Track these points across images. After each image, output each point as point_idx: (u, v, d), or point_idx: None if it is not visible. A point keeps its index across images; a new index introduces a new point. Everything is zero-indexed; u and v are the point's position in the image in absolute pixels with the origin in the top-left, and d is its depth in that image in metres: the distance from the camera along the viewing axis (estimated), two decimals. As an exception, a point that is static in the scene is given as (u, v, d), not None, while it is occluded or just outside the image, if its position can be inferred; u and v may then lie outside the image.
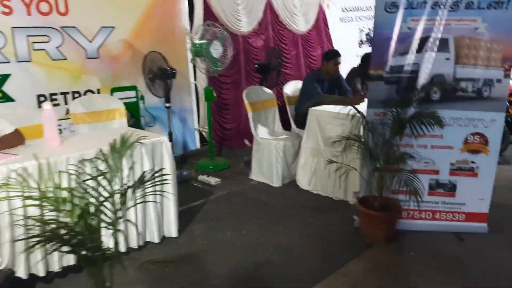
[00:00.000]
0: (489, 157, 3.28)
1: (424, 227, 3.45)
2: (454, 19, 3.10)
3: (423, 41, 3.16)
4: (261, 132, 4.75)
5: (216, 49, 4.71)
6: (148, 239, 3.27)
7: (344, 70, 6.58)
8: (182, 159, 5.33)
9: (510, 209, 3.86)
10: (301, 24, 6.48)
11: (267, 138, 4.65)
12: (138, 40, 4.83)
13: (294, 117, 4.95)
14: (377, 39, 3.18)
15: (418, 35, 3.15)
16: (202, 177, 4.68)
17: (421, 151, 3.34)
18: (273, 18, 6.16)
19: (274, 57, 5.13)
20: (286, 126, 5.08)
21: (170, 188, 3.22)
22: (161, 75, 4.47)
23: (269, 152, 4.48)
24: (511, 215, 3.74)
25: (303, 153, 4.35)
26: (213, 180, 4.59)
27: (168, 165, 3.21)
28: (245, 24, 5.81)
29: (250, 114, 4.58)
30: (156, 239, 3.25)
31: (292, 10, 6.33)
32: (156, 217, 3.22)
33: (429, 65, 3.19)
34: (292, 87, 5.13)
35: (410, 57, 3.19)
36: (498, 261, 3.06)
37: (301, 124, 4.47)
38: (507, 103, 6.22)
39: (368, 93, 3.29)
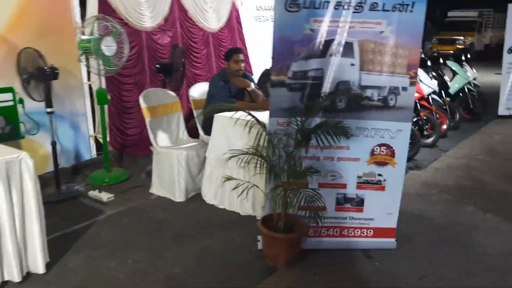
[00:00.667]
0: (396, 169, 3.10)
1: (332, 245, 3.20)
2: (358, 21, 2.86)
3: (327, 44, 2.89)
4: (162, 140, 4.26)
5: (108, 46, 4.13)
6: (6, 278, 2.66)
7: (258, 72, 6.31)
8: (74, 171, 4.67)
9: (418, 219, 3.76)
10: (213, 21, 6.06)
11: (168, 147, 4.18)
12: (15, 34, 4.10)
13: (201, 123, 4.52)
14: (278, 42, 2.84)
15: (321, 38, 2.87)
16: (93, 193, 4.08)
17: (328, 164, 3.08)
18: (181, 14, 5.67)
19: (177, 56, 4.66)
20: (195, 133, 4.64)
21: (33, 214, 2.65)
22: (38, 76, 3.80)
23: (170, 163, 4.01)
24: (419, 226, 3.63)
25: (208, 163, 3.94)
26: (105, 196, 4.01)
27: (30, 187, 2.63)
28: (148, 19, 5.26)
29: (147, 120, 4.07)
30: (16, 278, 2.66)
31: (202, 6, 5.88)
32: (15, 249, 2.62)
33: (334, 71, 2.92)
34: (199, 90, 4.69)
35: (314, 62, 2.90)
36: (405, 278, 2.89)
37: (209, 131, 4.06)
38: (419, 107, 6.39)
39: (270, 101, 2.96)
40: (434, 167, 5.17)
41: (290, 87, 2.92)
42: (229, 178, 3.12)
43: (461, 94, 7.54)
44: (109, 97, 4.41)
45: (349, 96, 2.94)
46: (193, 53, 5.80)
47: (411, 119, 3.02)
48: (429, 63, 6.96)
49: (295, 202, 2.83)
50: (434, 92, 6.46)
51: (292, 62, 2.88)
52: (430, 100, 6.40)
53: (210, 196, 3.95)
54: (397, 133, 3.02)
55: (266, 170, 2.89)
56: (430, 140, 5.90)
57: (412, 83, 2.93)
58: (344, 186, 3.13)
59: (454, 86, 7.52)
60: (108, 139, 5.12)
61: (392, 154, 3.07)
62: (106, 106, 4.52)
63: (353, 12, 2.83)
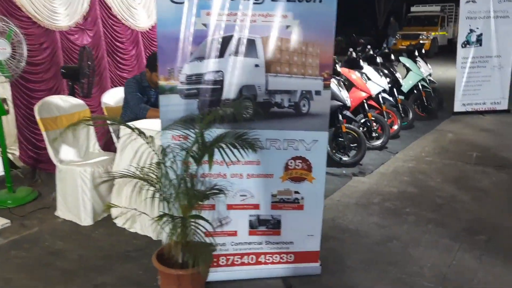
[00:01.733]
0: (315, 185, 2.68)
1: (247, 274, 2.76)
2: (260, 14, 2.42)
3: (225, 42, 2.44)
4: (67, 155, 3.73)
5: (0, 50, 3.58)
6: None
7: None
8: (-26, 192, 4.09)
9: (353, 235, 3.37)
10: (142, 19, 5.55)
11: (73, 163, 3.66)
12: None
13: (117, 133, 4.01)
14: (163, 39, 2.38)
15: (217, 34, 2.42)
16: (-16, 220, 3.53)
17: (236, 182, 2.64)
18: (103, 11, 5.13)
19: (85, 59, 4.14)
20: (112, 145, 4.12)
21: None
22: None
23: (73, 182, 3.49)
24: (352, 244, 3.24)
25: (116, 180, 3.44)
26: (-2, 223, 3.47)
27: None
28: (63, 17, 4.71)
29: (44, 134, 3.54)
30: None
31: (129, 3, 5.36)
32: None
33: (235, 74, 2.48)
34: (116, 96, 4.18)
35: (211, 63, 2.45)
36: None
37: (125, 142, 3.55)
38: (366, 107, 6.05)
39: (161, 111, 2.49)
40: (380, 172, 4.81)
41: (184, 94, 2.47)
42: (109, 206, 2.63)
43: (415, 92, 7.28)
44: (6, 107, 3.84)
45: (255, 101, 2.50)
46: (119, 54, 5.28)
47: (327, 127, 2.60)
48: (379, 60, 6.67)
49: (189, 231, 2.37)
50: (384, 91, 6.14)
51: (184, 63, 2.42)
52: (381, 99, 6.08)
53: (120, 218, 3.45)
54: (313, 144, 2.60)
55: (154, 195, 2.42)
56: (379, 142, 5.56)
57: (326, 86, 2.52)
58: (257, 206, 2.69)
59: (407, 83, 7.23)
60: (17, 153, 4.57)
61: (309, 168, 2.65)
62: (4, 117, 3.95)
63: (254, 3, 2.40)
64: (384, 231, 3.46)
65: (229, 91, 2.49)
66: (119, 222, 3.47)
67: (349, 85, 5.74)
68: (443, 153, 5.45)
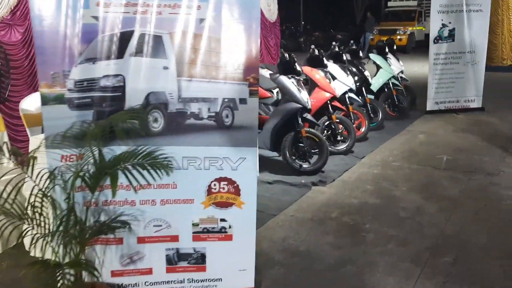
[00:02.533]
0: (245, 211, 2.24)
1: (169, 318, 2.32)
2: (167, 4, 1.96)
3: (125, 39, 1.97)
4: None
5: None
6: None
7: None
8: None
9: (303, 259, 2.95)
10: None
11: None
12: None
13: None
14: (42, 37, 1.89)
15: (113, 29, 1.95)
16: None
17: (148, 210, 2.18)
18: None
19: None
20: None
21: None
22: None
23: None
24: (300, 271, 2.82)
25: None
26: None
27: None
28: (-15, 11, 4.16)
29: None
30: None
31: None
32: None
33: (140, 78, 2.02)
34: (38, 101, 3.65)
35: (107, 66, 1.98)
36: None
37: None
38: (330, 109, 5.65)
39: (44, 125, 2.02)
40: (343, 180, 4.41)
41: (74, 104, 1.99)
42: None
43: (386, 90, 6.91)
44: None
45: (166, 113, 2.04)
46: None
47: (255, 142, 2.17)
48: (346, 57, 6.27)
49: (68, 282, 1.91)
50: (351, 90, 5.74)
51: (71, 66, 1.94)
52: (347, 99, 5.68)
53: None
54: (240, 162, 2.16)
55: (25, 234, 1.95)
56: (344, 146, 5.16)
57: (253, 93, 2.07)
58: (175, 238, 2.24)
59: (377, 81, 6.85)
60: None
61: (237, 191, 2.20)
62: None
63: (158, -9, 1.94)
64: (339, 253, 3.05)
65: (133, 99, 2.03)
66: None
67: (312, 85, 5.34)
68: (412, 157, 5.08)
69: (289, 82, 4.54)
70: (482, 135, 5.96)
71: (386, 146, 5.51)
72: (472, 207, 3.72)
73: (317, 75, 5.23)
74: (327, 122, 5.16)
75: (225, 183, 2.18)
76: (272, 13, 9.00)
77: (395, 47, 7.57)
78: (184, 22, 1.97)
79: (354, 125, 5.64)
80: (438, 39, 7.12)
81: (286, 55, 4.56)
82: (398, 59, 7.51)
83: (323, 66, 5.36)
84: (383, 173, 4.57)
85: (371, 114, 6.25)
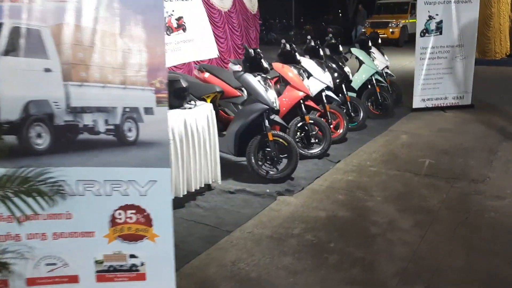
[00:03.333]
0: (159, 245, 1.83)
1: None
2: (44, -10, 1.54)
3: (-9, 34, 1.55)
4: None
5: None
6: None
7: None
8: None
9: (253, 286, 2.56)
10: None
11: None
12: None
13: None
14: None
15: (-27, 21, 1.53)
16: None
17: (38, 245, 1.77)
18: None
19: None
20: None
21: None
22: None
23: None
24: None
25: None
26: None
27: None
28: None
29: None
30: None
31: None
32: None
33: (13, 83, 1.60)
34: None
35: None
36: None
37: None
38: (303, 109, 5.23)
39: None
40: (313, 188, 4.00)
41: None
42: None
43: (369, 87, 6.50)
44: None
45: (52, 126, 1.63)
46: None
47: (168, 161, 1.76)
48: (324, 52, 5.84)
49: None
50: (328, 88, 5.33)
51: None
52: (324, 98, 5.27)
53: None
54: (150, 186, 1.75)
55: None
56: (318, 149, 4.75)
57: (162, 101, 1.66)
58: (74, 279, 1.84)
59: (360, 77, 6.44)
60: None
61: (148, 221, 1.80)
62: None
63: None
64: (294, 280, 2.65)
65: (8, 110, 1.61)
66: None
67: (284, 84, 4.92)
68: (391, 161, 4.68)
69: (254, 81, 4.12)
70: (470, 135, 5.57)
71: (365, 149, 5.11)
72: (451, 222, 3.32)
73: (289, 72, 4.81)
74: (300, 124, 4.75)
75: (133, 211, 1.77)
76: (253, 4, 8.56)
77: (379, 41, 7.16)
78: (70, 12, 1.56)
79: (331, 126, 5.25)
80: (425, 32, 6.70)
81: (251, 50, 4.13)
82: (383, 54, 7.10)
83: (296, 62, 4.94)
84: (358, 180, 4.17)
85: (352, 113, 5.85)
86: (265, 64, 4.31)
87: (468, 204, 3.62)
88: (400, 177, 4.22)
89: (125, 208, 1.77)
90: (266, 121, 4.10)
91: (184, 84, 3.50)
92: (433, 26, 6.68)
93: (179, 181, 3.39)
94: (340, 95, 5.81)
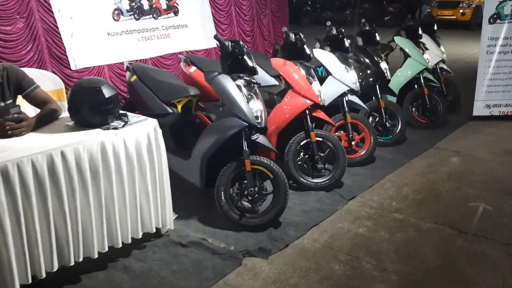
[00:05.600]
0: None
1: None
2: None
3: None
4: None
5: None
6: None
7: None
8: None
9: None
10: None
11: None
12: None
13: None
14: None
15: None
16: None
17: None
18: None
19: None
20: None
21: None
22: None
23: None
24: None
25: None
26: None
27: None
28: None
29: None
30: None
31: None
32: None
33: None
34: None
35: None
36: None
37: None
38: (310, 123, 3.62)
39: None
40: (301, 247, 2.78)
41: None
42: None
43: (416, 87, 5.05)
44: None
45: None
46: None
47: None
48: (354, 43, 4.49)
49: None
50: (353, 91, 4.01)
51: None
52: (345, 104, 3.97)
53: None
54: None
55: None
56: (325, 179, 3.50)
57: None
58: None
59: (404, 75, 4.99)
60: None
61: None
62: None
63: None
64: None
65: None
66: None
67: (286, 87, 3.68)
68: (428, 203, 3.33)
69: (231, 86, 2.94)
70: (549, 164, 4.04)
71: (395, 178, 3.77)
72: None
73: (293, 72, 3.55)
74: (304, 142, 3.51)
75: None
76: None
77: (435, 27, 5.62)
78: None
79: (353, 143, 3.96)
80: (496, 17, 5.06)
81: (228, 43, 2.93)
82: (439, 44, 5.57)
83: (305, 58, 3.66)
84: (371, 236, 2.90)
85: (388, 123, 4.48)
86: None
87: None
88: (436, 236, 2.88)
89: None
90: (245, 143, 2.93)
91: (107, 93, 2.41)
92: (508, 10, 5.02)
93: (89, 236, 2.34)
94: (374, 98, 4.48)
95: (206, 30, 5.08)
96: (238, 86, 2.95)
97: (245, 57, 2.98)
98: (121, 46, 4.25)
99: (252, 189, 2.90)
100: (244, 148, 2.91)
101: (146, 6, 4.56)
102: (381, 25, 17.07)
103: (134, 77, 3.48)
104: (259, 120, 2.95)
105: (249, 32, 5.57)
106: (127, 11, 4.39)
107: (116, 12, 4.32)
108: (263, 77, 3.56)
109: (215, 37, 2.96)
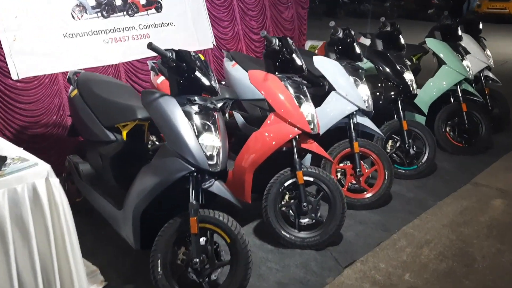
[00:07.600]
0: None
1: None
2: None
3: None
4: None
5: None
6: None
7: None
8: None
9: None
10: None
11: None
12: None
13: None
14: None
15: None
16: None
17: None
18: None
19: None
20: None
21: None
22: None
23: None
24: None
25: None
26: None
27: None
28: None
29: None
30: None
31: None
32: None
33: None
34: None
35: None
36: None
37: None
38: (297, 157, 2.77)
39: None
40: None
41: None
42: None
43: (452, 101, 4.04)
44: None
45: None
46: None
47: None
48: (372, 47, 3.55)
49: None
50: (361, 111, 3.09)
51: None
52: (352, 128, 3.06)
53: None
54: None
55: None
56: (315, 235, 2.60)
57: None
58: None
59: (437, 86, 3.99)
60: None
61: None
62: None
63: None
64: None
65: None
66: None
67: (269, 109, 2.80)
68: (455, 277, 2.39)
69: (175, 114, 2.11)
70: None
71: (415, 231, 2.82)
72: None
73: (276, 90, 2.66)
74: (289, 182, 2.64)
75: None
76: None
77: (480, 26, 4.55)
78: None
79: (361, 179, 3.05)
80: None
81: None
82: (484, 48, 4.51)
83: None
84: (365, 335, 2.02)
85: (411, 150, 3.51)
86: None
87: None
88: None
89: None
90: (193, 193, 2.10)
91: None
92: None
93: None
94: (395, 117, 3.53)
95: (199, 29, 4.27)
96: (187, 114, 2.13)
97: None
98: (82, 50, 3.52)
99: (196, 260, 2.07)
100: (190, 201, 2.09)
101: (118, 2, 3.79)
102: (424, 18, 15.75)
103: (75, 91, 2.75)
104: (213, 161, 2.11)
105: (256, 30, 4.70)
106: (93, 7, 3.64)
107: (78, 9, 3.58)
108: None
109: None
